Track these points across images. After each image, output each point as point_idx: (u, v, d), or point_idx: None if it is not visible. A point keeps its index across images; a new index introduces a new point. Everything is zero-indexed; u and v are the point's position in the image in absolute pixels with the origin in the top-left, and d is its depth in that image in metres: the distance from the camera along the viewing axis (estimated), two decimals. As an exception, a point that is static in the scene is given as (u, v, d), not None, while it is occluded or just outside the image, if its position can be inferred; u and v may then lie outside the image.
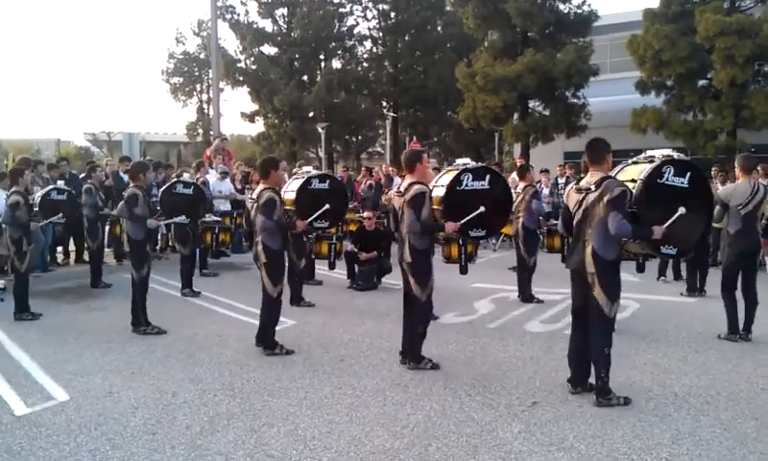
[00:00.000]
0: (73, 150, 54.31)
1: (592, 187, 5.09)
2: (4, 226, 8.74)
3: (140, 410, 5.18)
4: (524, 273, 9.40)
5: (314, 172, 9.18)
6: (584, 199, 5.17)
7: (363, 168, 19.88)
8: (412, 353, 6.18)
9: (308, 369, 6.20)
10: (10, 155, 13.73)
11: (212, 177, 13.65)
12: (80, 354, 6.71)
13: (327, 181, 9.00)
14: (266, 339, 6.79)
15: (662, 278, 10.82)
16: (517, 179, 10.40)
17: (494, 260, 13.41)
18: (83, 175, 12.36)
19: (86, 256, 11.58)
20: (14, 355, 6.72)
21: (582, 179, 5.42)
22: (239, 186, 14.49)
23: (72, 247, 12.81)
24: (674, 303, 9.18)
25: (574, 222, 5.32)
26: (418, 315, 6.16)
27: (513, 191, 9.75)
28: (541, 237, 10.48)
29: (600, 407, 5.12)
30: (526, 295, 9.31)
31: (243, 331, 7.62)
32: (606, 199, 4.95)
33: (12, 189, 8.47)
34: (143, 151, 19.50)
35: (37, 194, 9.93)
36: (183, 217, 9.16)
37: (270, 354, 6.65)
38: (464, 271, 6.65)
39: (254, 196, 6.85)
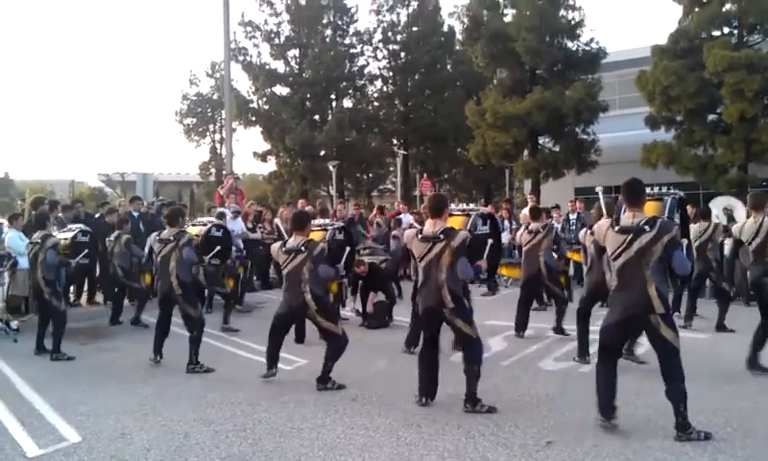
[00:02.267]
0: (87, 190, 54.97)
1: (647, 227, 5.10)
2: (21, 266, 8.89)
3: (152, 452, 5.16)
4: (562, 306, 9.54)
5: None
6: (634, 239, 5.15)
7: (376, 206, 19.98)
8: (469, 394, 6.00)
9: (320, 409, 6.16)
10: (27, 193, 13.92)
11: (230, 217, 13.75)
12: (92, 395, 6.71)
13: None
14: (325, 374, 6.84)
15: (677, 313, 10.72)
16: (529, 218, 10.42)
17: (506, 298, 13.33)
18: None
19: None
20: (26, 396, 6.73)
21: (618, 219, 5.42)
22: (250, 225, 14.57)
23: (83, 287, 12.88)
24: (688, 340, 9.02)
25: (618, 263, 5.27)
26: (472, 353, 6.03)
27: (523, 229, 9.90)
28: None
29: (681, 441, 5.08)
30: (558, 328, 9.43)
31: (254, 371, 7.59)
32: (666, 239, 5.03)
33: (44, 232, 8.71)
34: (156, 191, 19.63)
35: (60, 235, 10.07)
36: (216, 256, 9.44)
37: (322, 389, 6.75)
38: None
39: (292, 247, 6.92)
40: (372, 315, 10.58)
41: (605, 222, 5.60)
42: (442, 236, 5.95)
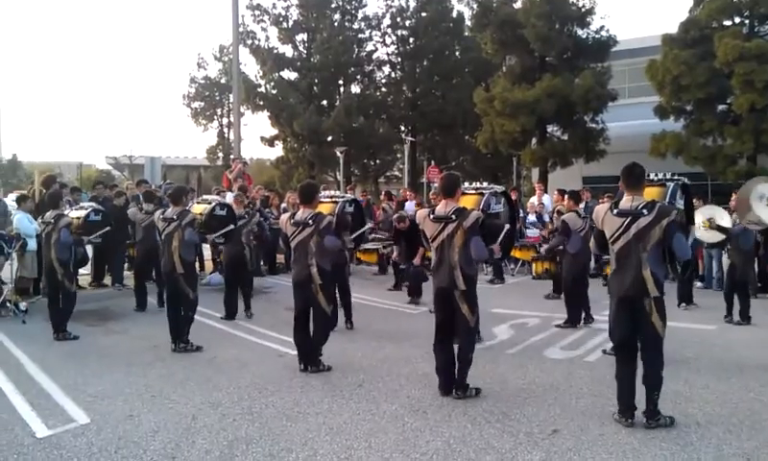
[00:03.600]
0: (95, 173, 55.10)
1: (645, 211, 5.11)
2: (29, 247, 8.91)
3: (160, 434, 5.20)
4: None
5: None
6: (632, 223, 5.16)
7: (383, 192, 20.01)
8: (460, 381, 6.03)
9: (327, 394, 6.19)
10: (36, 173, 13.93)
11: (231, 199, 13.76)
12: (100, 377, 6.75)
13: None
14: (315, 357, 6.95)
15: (683, 304, 10.73)
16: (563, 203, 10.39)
17: (513, 286, 13.36)
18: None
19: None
20: (36, 377, 6.78)
21: (617, 202, 5.41)
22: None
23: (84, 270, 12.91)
24: (694, 331, 9.08)
25: (616, 246, 5.29)
26: (468, 342, 6.03)
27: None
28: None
29: (649, 429, 5.13)
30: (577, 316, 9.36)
31: (261, 355, 7.66)
32: (665, 222, 5.04)
33: (57, 212, 8.73)
34: (164, 174, 19.68)
35: (73, 213, 10.11)
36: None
37: (315, 371, 6.84)
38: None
39: (300, 219, 6.94)
40: (413, 277, 10.95)
41: (603, 206, 5.61)
42: (454, 216, 5.92)
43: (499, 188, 7.65)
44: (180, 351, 7.75)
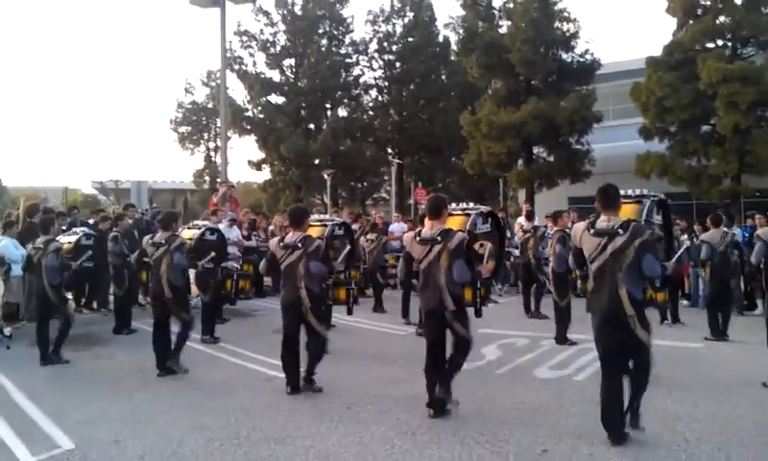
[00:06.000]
0: (80, 198, 54.85)
1: (620, 231, 5.16)
2: (14, 273, 8.82)
3: (146, 459, 5.13)
4: (559, 315, 9.48)
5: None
6: (608, 243, 5.22)
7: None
8: (446, 383, 6.05)
9: (315, 417, 6.14)
10: (21, 200, 13.86)
11: (221, 224, 13.71)
12: (86, 402, 6.67)
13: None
14: (309, 376, 7.00)
15: (666, 321, 10.78)
16: (550, 223, 10.39)
17: (500, 306, 13.34)
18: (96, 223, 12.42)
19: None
20: (20, 403, 6.69)
21: (593, 222, 5.45)
22: (246, 233, 14.56)
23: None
24: (681, 348, 9.10)
25: (594, 266, 5.35)
26: (463, 350, 6.08)
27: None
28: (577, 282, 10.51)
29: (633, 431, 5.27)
30: (560, 338, 9.36)
31: (249, 379, 7.60)
32: (638, 242, 5.09)
33: (47, 237, 8.68)
34: (150, 198, 19.58)
35: (65, 238, 10.03)
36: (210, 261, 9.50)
37: (309, 390, 6.90)
38: (478, 314, 6.44)
39: (290, 242, 6.94)
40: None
41: (581, 225, 5.67)
42: (439, 238, 5.93)
43: (485, 208, 7.66)
44: (165, 375, 7.66)
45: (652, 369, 5.34)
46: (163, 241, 7.91)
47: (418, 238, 6.12)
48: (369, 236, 13.56)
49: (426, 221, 6.22)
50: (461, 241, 5.92)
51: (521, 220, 16.82)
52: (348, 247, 8.65)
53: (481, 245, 6.65)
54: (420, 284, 6.16)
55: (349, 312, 9.19)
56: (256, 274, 14.56)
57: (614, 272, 5.20)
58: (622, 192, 6.16)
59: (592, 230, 5.38)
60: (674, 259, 5.79)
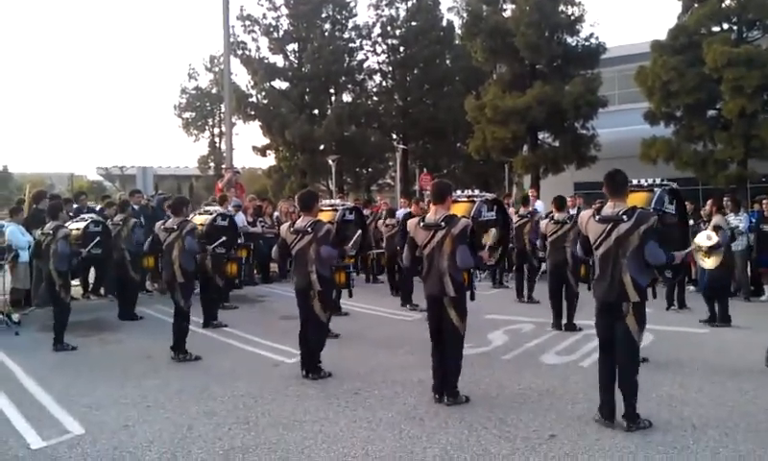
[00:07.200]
0: (86, 184, 54.90)
1: (624, 217, 5.17)
2: (22, 259, 8.86)
3: (155, 444, 5.17)
4: (574, 299, 9.45)
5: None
6: (612, 229, 5.23)
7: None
8: (450, 389, 6.03)
9: (323, 402, 6.18)
10: (27, 187, 13.91)
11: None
12: (95, 388, 6.72)
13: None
14: (314, 364, 6.95)
15: (672, 307, 10.79)
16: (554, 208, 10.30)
17: (506, 292, 13.37)
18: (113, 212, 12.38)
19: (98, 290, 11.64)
20: (29, 389, 6.74)
21: (600, 209, 5.46)
22: (251, 219, 14.58)
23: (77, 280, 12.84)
24: (687, 334, 9.12)
25: (599, 252, 5.37)
26: (456, 350, 6.03)
27: (548, 220, 9.90)
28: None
29: (630, 432, 5.16)
30: (569, 324, 9.35)
31: (256, 364, 7.63)
32: (643, 228, 5.10)
33: (56, 223, 8.70)
34: (155, 184, 19.62)
35: (73, 225, 10.07)
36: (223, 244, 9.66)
37: (316, 378, 6.83)
38: (473, 297, 6.40)
39: (300, 227, 6.96)
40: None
41: (587, 211, 5.71)
42: (443, 224, 5.95)
43: (491, 196, 7.70)
44: (180, 361, 7.72)
45: (638, 370, 5.29)
46: (175, 226, 7.96)
47: (422, 224, 6.13)
48: (387, 222, 13.45)
49: (431, 206, 6.23)
50: (465, 227, 5.93)
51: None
52: (359, 231, 8.68)
53: (487, 232, 6.66)
54: (425, 271, 6.16)
55: (350, 294, 9.25)
56: (261, 260, 14.59)
57: (619, 258, 5.22)
58: (635, 181, 6.17)
59: (598, 217, 5.40)
60: (687, 251, 5.77)
